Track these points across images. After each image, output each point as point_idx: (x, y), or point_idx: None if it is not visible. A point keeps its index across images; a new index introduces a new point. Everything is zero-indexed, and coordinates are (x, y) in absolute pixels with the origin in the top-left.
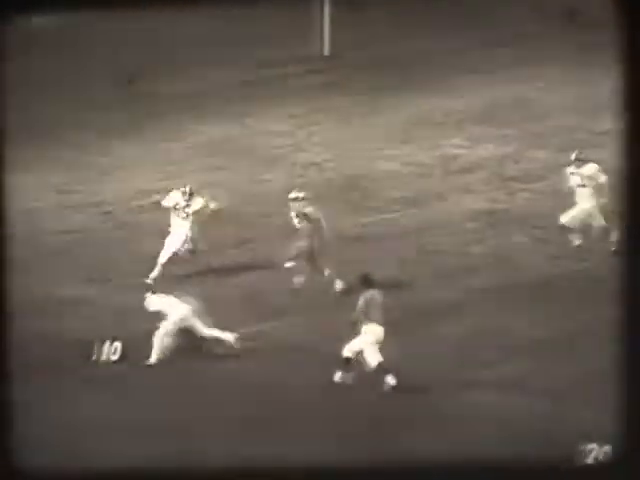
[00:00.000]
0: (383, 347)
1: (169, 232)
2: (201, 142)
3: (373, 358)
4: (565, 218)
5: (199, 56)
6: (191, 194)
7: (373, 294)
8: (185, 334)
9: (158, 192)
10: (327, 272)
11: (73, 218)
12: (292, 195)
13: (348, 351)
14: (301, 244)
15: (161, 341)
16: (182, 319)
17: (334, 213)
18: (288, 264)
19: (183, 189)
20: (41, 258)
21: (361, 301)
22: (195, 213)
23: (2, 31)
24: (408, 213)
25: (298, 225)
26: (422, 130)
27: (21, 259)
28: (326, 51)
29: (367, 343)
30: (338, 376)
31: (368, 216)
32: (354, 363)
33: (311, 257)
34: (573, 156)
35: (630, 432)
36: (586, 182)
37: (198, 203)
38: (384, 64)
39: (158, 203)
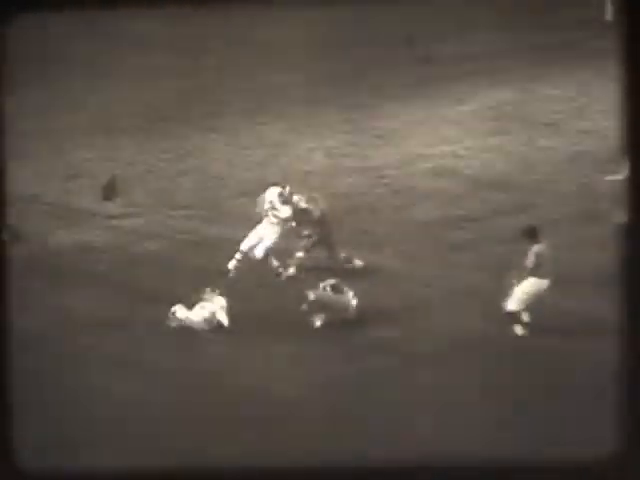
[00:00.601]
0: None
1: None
2: (479, 107)
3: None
4: None
5: (481, 19)
6: (289, 196)
7: (541, 248)
8: None
9: (437, 157)
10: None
11: (344, 182)
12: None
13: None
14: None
15: None
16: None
17: None
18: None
19: (281, 189)
20: None
21: (529, 254)
22: (284, 220)
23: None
24: None
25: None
26: None
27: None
28: (609, 16)
29: (524, 293)
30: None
31: None
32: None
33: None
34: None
35: (630, 432)
36: None
37: (287, 211)
38: None
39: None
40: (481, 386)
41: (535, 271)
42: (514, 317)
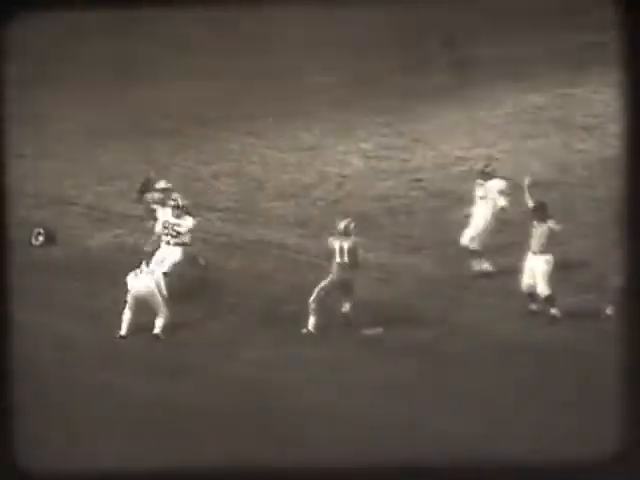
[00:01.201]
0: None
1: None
2: (516, 109)
3: (544, 289)
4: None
5: (518, 21)
6: (181, 208)
7: (550, 226)
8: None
9: (472, 160)
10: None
11: (381, 185)
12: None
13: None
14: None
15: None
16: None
17: None
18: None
19: (173, 202)
20: None
21: (538, 232)
22: (184, 237)
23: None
24: None
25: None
26: None
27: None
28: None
29: (540, 273)
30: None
31: None
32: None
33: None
34: (481, 167)
35: (630, 432)
36: (488, 196)
37: (188, 224)
38: None
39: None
40: (481, 388)
41: (547, 249)
42: (550, 300)
